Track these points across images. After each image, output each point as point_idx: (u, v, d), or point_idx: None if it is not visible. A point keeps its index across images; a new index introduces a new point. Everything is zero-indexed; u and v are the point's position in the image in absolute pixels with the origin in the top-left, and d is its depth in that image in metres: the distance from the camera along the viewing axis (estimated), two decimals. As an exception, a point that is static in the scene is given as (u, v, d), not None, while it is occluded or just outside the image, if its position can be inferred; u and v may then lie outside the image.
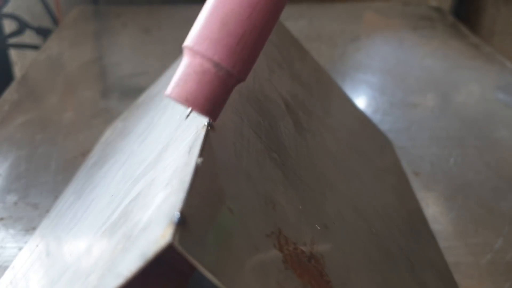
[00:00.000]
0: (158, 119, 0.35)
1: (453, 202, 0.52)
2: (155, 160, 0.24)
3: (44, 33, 1.05)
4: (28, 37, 1.04)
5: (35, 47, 1.02)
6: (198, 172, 0.17)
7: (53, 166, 0.56)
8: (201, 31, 0.18)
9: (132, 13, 1.07)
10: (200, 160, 0.18)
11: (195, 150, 0.18)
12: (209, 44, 0.17)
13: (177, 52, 0.65)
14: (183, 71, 0.18)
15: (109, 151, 0.48)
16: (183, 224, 0.14)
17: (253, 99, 0.26)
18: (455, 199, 0.52)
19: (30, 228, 0.47)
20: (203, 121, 0.21)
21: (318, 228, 0.23)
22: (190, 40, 0.18)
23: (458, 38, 0.96)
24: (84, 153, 0.57)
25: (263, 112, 0.27)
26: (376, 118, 0.66)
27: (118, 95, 0.74)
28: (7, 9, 1.01)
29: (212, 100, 0.18)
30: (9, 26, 1.01)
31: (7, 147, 0.60)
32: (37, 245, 0.39)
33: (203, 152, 0.18)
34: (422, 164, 0.57)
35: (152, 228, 0.15)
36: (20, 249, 0.44)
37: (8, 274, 0.39)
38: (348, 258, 0.24)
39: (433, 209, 0.50)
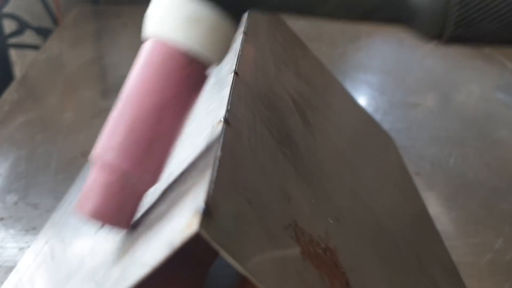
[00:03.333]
0: None
1: (453, 202, 0.52)
2: None
3: (44, 33, 1.04)
4: (28, 37, 1.04)
5: (35, 47, 1.02)
6: (218, 165, 0.17)
7: (53, 166, 0.56)
8: (107, 140, 0.17)
9: (132, 13, 1.07)
10: (219, 154, 0.18)
11: (213, 145, 0.18)
12: (116, 153, 0.16)
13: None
14: (89, 185, 0.17)
15: None
16: (208, 214, 0.14)
17: (263, 96, 0.26)
18: (455, 199, 0.52)
19: (30, 228, 0.47)
20: (219, 116, 0.21)
21: (331, 221, 0.23)
22: (98, 150, 0.17)
23: (458, 38, 0.96)
24: (84, 153, 0.57)
25: (272, 109, 0.28)
26: (376, 118, 0.65)
27: (118, 95, 0.74)
28: (7, 9, 1.00)
29: (122, 212, 0.17)
30: (9, 26, 1.01)
31: (7, 147, 0.60)
32: (45, 242, 0.38)
33: (221, 146, 0.18)
34: (423, 164, 0.57)
35: (177, 218, 0.15)
36: (20, 249, 0.44)
37: (13, 276, 0.39)
38: (360, 251, 0.24)
39: (433, 209, 0.50)
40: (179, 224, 0.15)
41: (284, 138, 0.24)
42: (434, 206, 0.51)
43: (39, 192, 0.52)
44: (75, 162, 0.56)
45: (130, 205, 0.17)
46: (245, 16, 0.37)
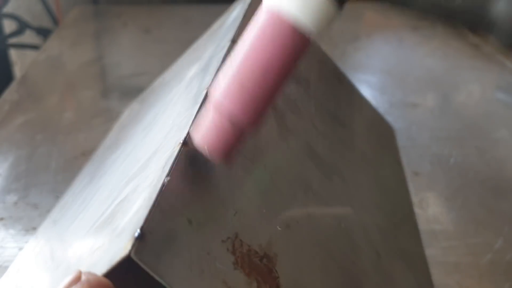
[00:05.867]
0: (160, 116, 0.37)
1: (453, 202, 0.52)
2: (143, 165, 0.27)
3: (44, 33, 1.04)
4: (28, 37, 1.04)
5: (35, 47, 1.02)
6: (164, 190, 0.20)
7: (53, 166, 0.56)
8: (223, 88, 0.21)
9: (132, 13, 1.07)
10: (167, 179, 0.20)
11: (166, 168, 0.21)
12: (227, 101, 0.21)
13: (177, 52, 0.65)
14: (205, 123, 0.22)
15: (122, 135, 0.50)
16: (141, 239, 0.17)
17: None
18: (455, 199, 0.52)
19: (30, 228, 0.47)
20: (181, 137, 0.23)
21: (279, 229, 0.26)
22: (215, 94, 0.21)
23: (458, 38, 0.96)
24: (84, 153, 0.57)
25: None
26: (376, 118, 0.66)
27: (118, 95, 0.74)
28: (7, 9, 1.01)
29: (227, 149, 0.21)
30: (9, 26, 1.01)
31: (7, 147, 0.60)
32: (46, 241, 0.39)
33: (173, 170, 0.21)
34: (422, 164, 0.57)
35: (122, 237, 0.18)
36: (20, 249, 0.44)
37: (11, 275, 0.39)
38: (305, 255, 0.27)
39: (433, 209, 0.50)
40: (121, 244, 0.17)
41: (248, 150, 0.25)
42: (434, 206, 0.51)
43: (39, 192, 0.52)
44: (75, 162, 0.56)
45: (234, 144, 0.21)
46: (236, 23, 0.37)
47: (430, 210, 0.50)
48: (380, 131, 0.57)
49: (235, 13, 0.44)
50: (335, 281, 0.28)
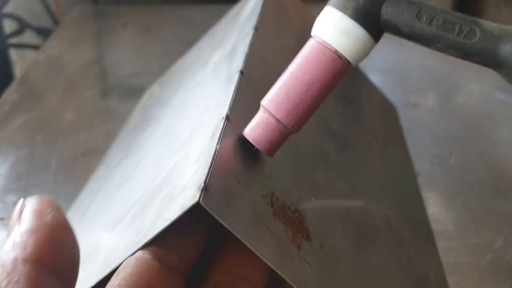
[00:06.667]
0: (191, 97, 0.41)
1: (453, 202, 0.52)
2: (188, 137, 0.31)
3: (44, 33, 1.05)
4: (28, 37, 1.04)
5: (35, 47, 1.02)
6: (217, 155, 0.24)
7: (53, 166, 0.56)
8: (272, 96, 0.26)
9: (132, 13, 1.07)
10: (218, 146, 0.25)
11: (215, 138, 0.26)
12: (275, 106, 0.26)
13: (177, 52, 0.65)
14: (256, 120, 0.26)
15: (148, 116, 0.53)
16: (206, 190, 0.22)
17: (266, 91, 0.29)
18: (455, 199, 0.52)
19: (30, 228, 0.47)
20: (223, 113, 0.27)
21: (305, 190, 0.30)
22: (265, 99, 0.26)
23: (458, 38, 0.96)
24: (84, 153, 0.58)
25: None
26: (376, 118, 0.66)
27: (118, 95, 0.74)
28: (7, 9, 1.01)
29: (271, 143, 0.26)
30: (9, 26, 1.01)
31: (7, 147, 0.60)
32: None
33: (221, 140, 0.25)
34: (422, 164, 0.58)
35: (188, 190, 0.23)
36: (20, 249, 0.44)
37: None
38: (326, 213, 0.31)
39: (433, 209, 0.50)
40: (188, 195, 0.22)
41: None
42: (434, 206, 0.51)
43: (39, 192, 0.52)
44: (75, 162, 0.56)
45: (278, 141, 0.26)
46: (257, 9, 0.39)
47: (430, 210, 0.50)
48: (385, 110, 0.59)
49: (254, 1, 0.45)
50: (353, 234, 0.32)
